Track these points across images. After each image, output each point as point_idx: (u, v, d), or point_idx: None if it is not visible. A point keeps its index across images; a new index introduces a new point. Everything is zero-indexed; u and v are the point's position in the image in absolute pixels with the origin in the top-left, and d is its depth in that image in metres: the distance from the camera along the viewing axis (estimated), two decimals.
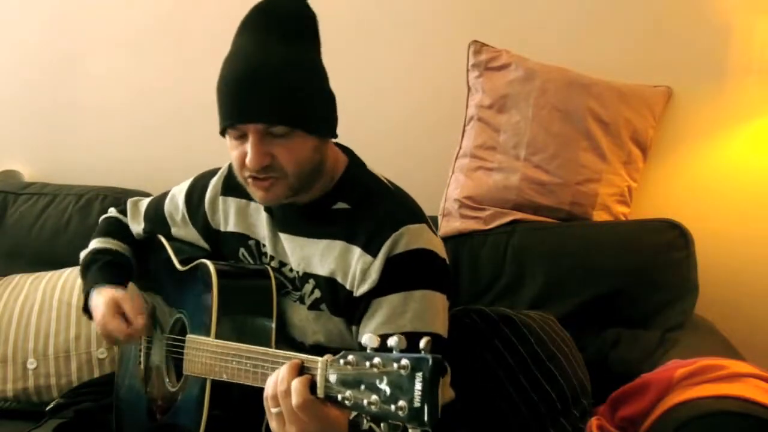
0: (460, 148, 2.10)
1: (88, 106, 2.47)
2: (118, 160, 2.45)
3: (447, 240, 2.02)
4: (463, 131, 2.11)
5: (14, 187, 2.32)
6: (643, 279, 1.86)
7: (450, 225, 2.05)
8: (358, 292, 1.29)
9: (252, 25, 1.28)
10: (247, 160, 1.25)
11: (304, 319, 1.38)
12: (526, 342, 1.62)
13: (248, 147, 1.25)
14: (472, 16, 2.22)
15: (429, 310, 1.27)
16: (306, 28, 1.29)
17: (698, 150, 2.13)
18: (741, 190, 2.11)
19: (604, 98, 2.02)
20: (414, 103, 2.26)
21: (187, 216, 1.57)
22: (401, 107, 2.27)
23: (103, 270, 1.58)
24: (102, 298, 1.51)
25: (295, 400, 1.01)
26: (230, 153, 1.32)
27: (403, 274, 1.27)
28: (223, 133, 1.31)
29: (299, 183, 1.30)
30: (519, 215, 2.00)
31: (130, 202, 1.72)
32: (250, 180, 1.30)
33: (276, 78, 1.23)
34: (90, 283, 1.57)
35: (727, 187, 2.12)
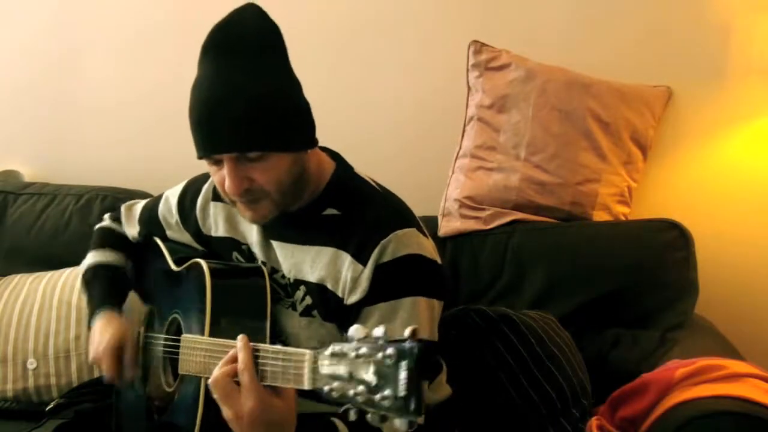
0: (460, 148, 2.10)
1: (88, 106, 2.47)
2: (118, 160, 2.45)
3: (447, 240, 2.03)
4: (463, 131, 2.11)
5: (14, 187, 2.31)
6: (642, 279, 1.86)
7: (450, 225, 2.05)
8: (349, 300, 1.30)
9: (213, 48, 1.24)
10: (226, 187, 1.26)
11: (296, 326, 1.38)
12: (526, 342, 1.62)
13: (225, 173, 1.25)
14: (472, 16, 2.22)
15: (418, 317, 1.26)
16: (269, 43, 1.25)
17: (698, 150, 2.13)
18: (741, 190, 2.11)
19: (604, 98, 2.02)
20: (414, 103, 2.26)
21: (179, 220, 1.57)
22: (401, 107, 2.27)
23: (104, 289, 1.59)
24: (109, 331, 1.49)
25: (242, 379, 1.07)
26: (212, 176, 1.32)
27: (392, 282, 1.27)
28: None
29: (283, 198, 1.29)
30: (519, 215, 2.00)
31: (123, 206, 1.71)
32: (235, 201, 1.31)
33: (242, 104, 1.21)
34: (94, 303, 1.58)
35: (727, 187, 2.12)
